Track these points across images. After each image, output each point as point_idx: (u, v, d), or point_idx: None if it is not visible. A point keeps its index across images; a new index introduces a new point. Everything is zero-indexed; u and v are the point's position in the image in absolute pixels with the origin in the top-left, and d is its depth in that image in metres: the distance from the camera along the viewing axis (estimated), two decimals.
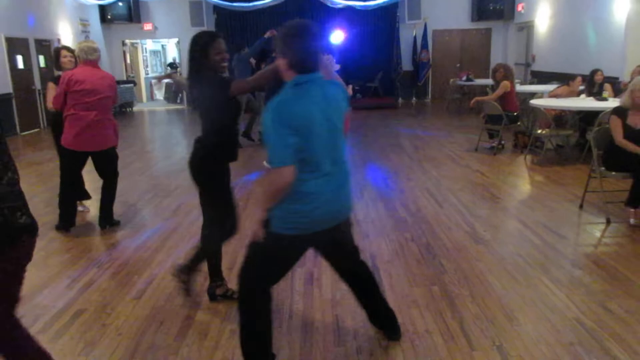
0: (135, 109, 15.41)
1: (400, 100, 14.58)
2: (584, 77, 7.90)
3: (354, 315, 3.03)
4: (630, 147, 4.37)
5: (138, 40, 16.99)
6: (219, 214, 3.09)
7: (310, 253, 3.13)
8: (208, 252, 3.17)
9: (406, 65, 14.75)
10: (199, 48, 2.90)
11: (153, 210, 5.28)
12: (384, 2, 13.18)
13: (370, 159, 7.57)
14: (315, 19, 14.21)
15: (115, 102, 4.56)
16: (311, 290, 3.31)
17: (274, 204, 2.17)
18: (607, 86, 7.52)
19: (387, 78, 14.76)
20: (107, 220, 4.67)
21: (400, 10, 14.47)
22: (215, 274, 3.21)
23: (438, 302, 3.17)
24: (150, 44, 18.54)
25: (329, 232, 2.30)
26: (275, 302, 3.21)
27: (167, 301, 3.29)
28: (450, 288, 3.34)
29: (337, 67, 7.19)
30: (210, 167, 3.02)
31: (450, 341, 2.74)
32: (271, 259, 2.31)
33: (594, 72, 7.78)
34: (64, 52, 4.75)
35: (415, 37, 14.61)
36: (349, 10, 13.60)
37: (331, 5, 13.07)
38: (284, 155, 2.08)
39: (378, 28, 14.67)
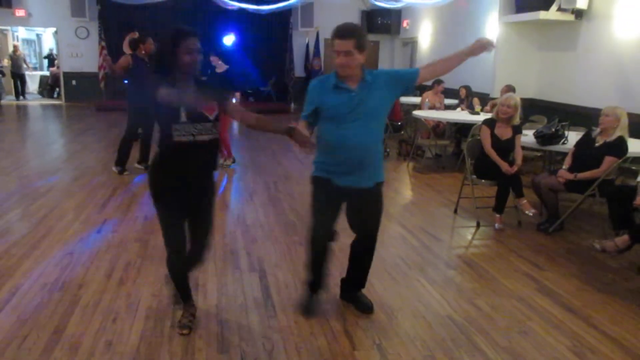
0: (3, 102, 13.97)
1: (293, 105, 14.74)
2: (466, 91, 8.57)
3: (238, 321, 2.99)
4: (493, 156, 4.81)
5: (8, 27, 15.45)
6: None
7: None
8: None
9: (299, 71, 14.96)
10: None
11: (20, 214, 4.81)
12: (277, 8, 13.24)
13: (261, 163, 7.55)
14: (206, 20, 13.91)
15: None
16: (195, 296, 3.21)
17: None
18: (476, 100, 8.25)
19: (281, 83, 14.86)
20: None
21: (293, 17, 14.66)
22: None
23: (323, 304, 3.23)
24: (23, 32, 16.94)
25: None
26: (157, 309, 3.08)
27: (34, 313, 3.00)
28: (335, 290, 3.42)
29: (225, 67, 7.13)
30: None
31: (334, 343, 2.81)
32: None
33: (461, 87, 8.54)
34: None
35: (307, 45, 14.88)
36: (242, 13, 13.48)
37: (223, 6, 12.83)
38: None
39: (272, 33, 14.72)
